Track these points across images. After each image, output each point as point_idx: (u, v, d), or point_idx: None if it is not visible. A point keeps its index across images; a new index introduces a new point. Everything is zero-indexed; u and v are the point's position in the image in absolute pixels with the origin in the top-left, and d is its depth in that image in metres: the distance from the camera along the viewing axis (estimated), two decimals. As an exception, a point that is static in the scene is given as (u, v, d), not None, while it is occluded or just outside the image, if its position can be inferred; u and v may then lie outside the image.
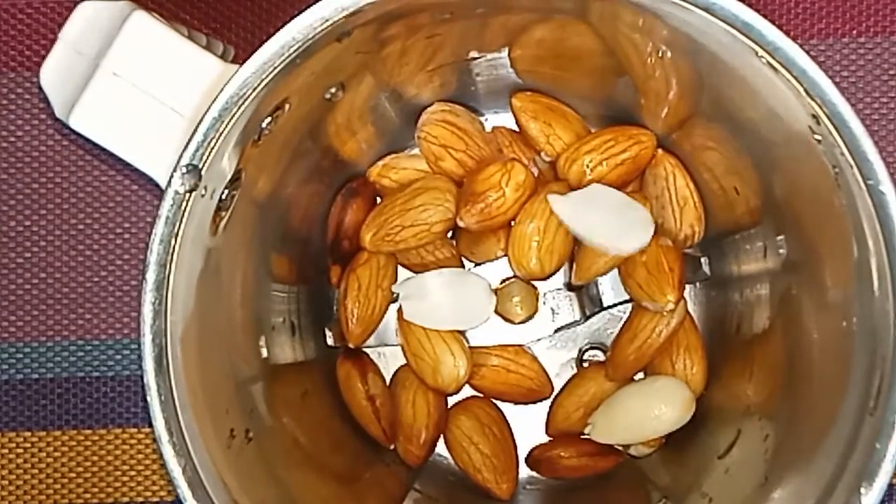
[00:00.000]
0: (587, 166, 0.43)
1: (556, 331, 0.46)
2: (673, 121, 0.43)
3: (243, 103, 0.35)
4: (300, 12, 0.35)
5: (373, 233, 0.44)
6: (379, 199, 0.45)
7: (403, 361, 0.45)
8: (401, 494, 0.45)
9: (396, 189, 0.44)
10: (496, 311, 0.45)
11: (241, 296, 0.40)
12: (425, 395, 0.45)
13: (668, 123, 0.43)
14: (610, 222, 0.42)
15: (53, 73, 0.39)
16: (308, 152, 0.41)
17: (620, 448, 0.45)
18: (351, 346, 0.44)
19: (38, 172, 0.48)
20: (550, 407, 0.46)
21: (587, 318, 0.45)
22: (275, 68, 0.35)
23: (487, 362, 0.45)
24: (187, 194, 0.35)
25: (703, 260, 0.45)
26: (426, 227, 0.44)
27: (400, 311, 0.44)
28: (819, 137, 0.35)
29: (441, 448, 0.46)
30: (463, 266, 0.46)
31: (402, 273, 0.46)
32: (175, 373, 0.35)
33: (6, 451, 0.48)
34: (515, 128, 0.45)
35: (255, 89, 0.35)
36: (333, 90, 0.39)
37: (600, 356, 0.47)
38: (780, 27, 0.34)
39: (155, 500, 0.48)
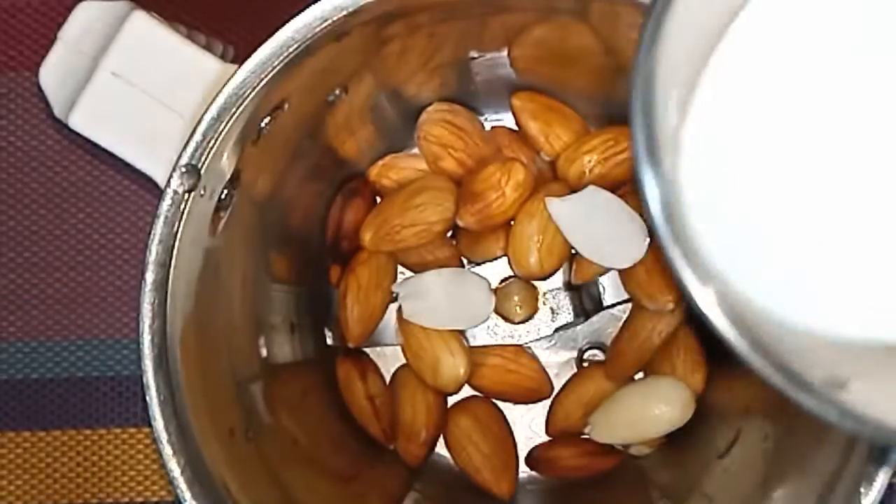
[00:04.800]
0: (587, 166, 0.43)
1: (555, 331, 0.45)
2: (673, 120, 0.42)
3: (242, 103, 0.35)
4: (299, 12, 0.35)
5: (372, 232, 0.44)
6: (378, 199, 0.45)
7: (403, 361, 0.45)
8: (401, 494, 0.45)
9: (396, 189, 0.44)
10: (496, 311, 0.45)
11: (240, 296, 0.40)
12: (425, 394, 0.45)
13: (668, 123, 0.43)
14: (604, 234, 0.42)
15: (53, 73, 0.39)
16: (307, 152, 0.41)
17: (620, 448, 0.45)
18: (351, 345, 0.44)
19: (38, 172, 0.48)
20: (550, 407, 0.46)
21: (587, 317, 0.45)
22: (274, 68, 0.35)
23: (487, 362, 0.45)
24: (186, 194, 0.35)
25: (703, 260, 0.45)
26: (426, 226, 0.43)
27: (400, 310, 0.44)
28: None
29: (441, 448, 0.46)
30: (463, 266, 0.46)
31: (402, 273, 0.46)
32: (174, 373, 0.35)
33: (6, 451, 0.48)
34: (515, 127, 0.45)
35: (253, 89, 0.35)
36: (337, 92, 0.39)
37: (600, 356, 0.46)
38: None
39: (155, 500, 0.48)
